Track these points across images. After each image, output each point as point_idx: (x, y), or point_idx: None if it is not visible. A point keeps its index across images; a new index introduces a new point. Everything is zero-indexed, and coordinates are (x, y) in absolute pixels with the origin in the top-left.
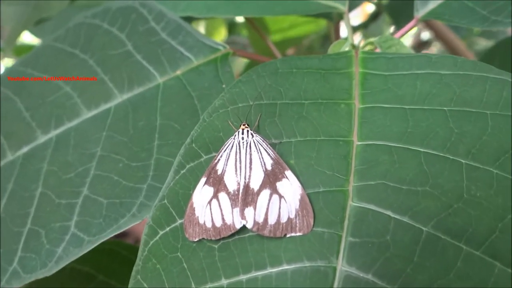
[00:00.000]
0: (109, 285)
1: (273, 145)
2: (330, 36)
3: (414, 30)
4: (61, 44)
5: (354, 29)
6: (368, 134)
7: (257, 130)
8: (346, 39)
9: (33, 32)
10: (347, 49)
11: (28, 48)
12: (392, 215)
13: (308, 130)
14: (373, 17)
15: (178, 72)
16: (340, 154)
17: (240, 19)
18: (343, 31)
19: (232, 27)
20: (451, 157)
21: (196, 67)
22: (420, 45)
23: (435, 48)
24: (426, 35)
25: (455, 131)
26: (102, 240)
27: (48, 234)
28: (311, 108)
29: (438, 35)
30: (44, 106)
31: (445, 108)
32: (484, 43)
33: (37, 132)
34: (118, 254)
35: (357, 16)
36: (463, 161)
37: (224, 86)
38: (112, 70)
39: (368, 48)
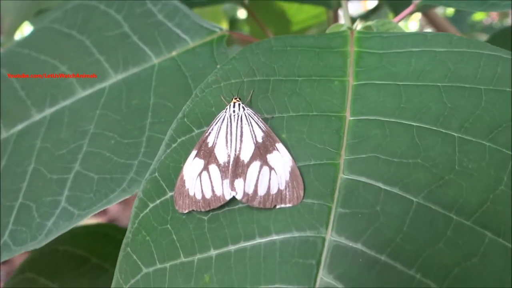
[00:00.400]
0: (102, 267)
1: (265, 120)
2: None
3: (417, 26)
4: (58, 26)
5: (353, 19)
6: (360, 110)
7: (250, 105)
8: (342, 24)
9: (33, 23)
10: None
11: None
12: (382, 186)
13: (300, 106)
14: (374, 9)
15: (174, 53)
16: (332, 129)
17: (242, 15)
18: (343, 21)
19: (233, 23)
20: (443, 130)
21: (192, 49)
22: None
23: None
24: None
25: (448, 105)
26: (92, 214)
27: (39, 208)
28: (304, 84)
29: (440, 31)
30: (39, 85)
31: (438, 84)
32: (485, 38)
33: (32, 111)
34: (113, 238)
35: (358, 10)
36: (455, 134)
37: (218, 66)
38: (108, 51)
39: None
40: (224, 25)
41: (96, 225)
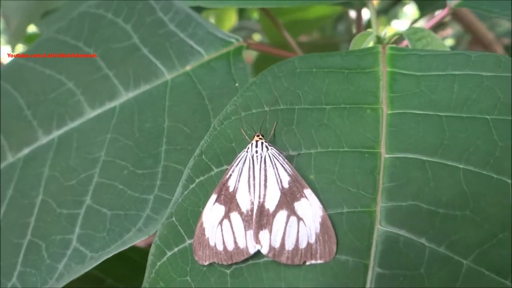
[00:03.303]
0: None
1: (290, 158)
2: (344, 17)
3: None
4: (63, 36)
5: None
6: (397, 146)
7: (273, 140)
8: (369, 32)
9: (39, 26)
10: (371, 43)
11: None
12: (426, 243)
13: (329, 140)
14: (394, 3)
15: (188, 68)
16: (366, 169)
17: None
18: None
19: (242, 10)
20: (495, 175)
21: (206, 62)
22: (435, 26)
23: (452, 30)
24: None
25: (500, 144)
26: (106, 257)
27: (48, 248)
28: (333, 114)
29: (456, 17)
30: (45, 104)
31: (487, 117)
32: (506, 25)
33: (38, 132)
34: (128, 259)
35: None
36: (509, 181)
37: (237, 85)
38: (117, 65)
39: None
40: (234, 15)
41: None
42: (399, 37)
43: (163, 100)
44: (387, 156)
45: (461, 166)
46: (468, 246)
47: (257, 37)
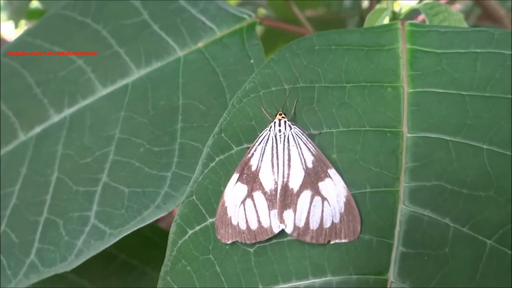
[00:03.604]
0: (131, 264)
1: (312, 137)
2: None
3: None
4: (71, 12)
5: None
6: (420, 125)
7: (294, 119)
8: (384, 7)
9: (42, 1)
10: (387, 19)
11: (41, 13)
12: (451, 223)
13: (351, 119)
14: None
15: (200, 45)
16: (389, 148)
17: None
18: None
19: None
20: None
21: (219, 39)
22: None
23: (460, 5)
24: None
25: None
26: (125, 234)
27: (66, 225)
28: (354, 92)
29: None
30: (55, 82)
31: (510, 97)
32: None
33: (49, 111)
34: (140, 234)
35: None
36: None
37: (252, 61)
38: (127, 42)
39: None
40: None
41: None
42: (414, 13)
43: (176, 78)
44: (409, 135)
45: (484, 146)
46: (492, 226)
47: (262, 11)
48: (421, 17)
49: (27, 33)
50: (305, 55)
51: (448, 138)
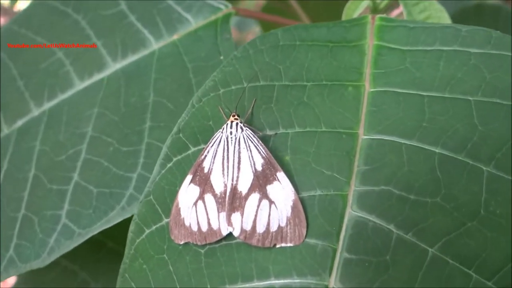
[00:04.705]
0: (118, 252)
1: (267, 137)
2: None
3: None
4: (54, 1)
5: None
6: (376, 127)
7: (251, 119)
8: None
9: None
10: (364, 7)
11: None
12: (394, 230)
13: (308, 120)
14: None
15: (175, 37)
16: (342, 150)
17: None
18: None
19: None
20: (470, 161)
21: (194, 31)
22: None
23: None
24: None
25: (479, 128)
26: (92, 234)
27: (40, 222)
28: (313, 91)
29: None
30: (37, 74)
31: (470, 98)
32: None
33: (30, 104)
34: (128, 222)
35: None
36: (484, 168)
37: (222, 58)
38: (105, 34)
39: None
40: None
41: None
42: (395, 6)
43: (149, 72)
44: (364, 137)
45: (437, 150)
46: (436, 234)
47: None
48: (401, 8)
49: (13, 22)
50: (268, 51)
51: (402, 141)
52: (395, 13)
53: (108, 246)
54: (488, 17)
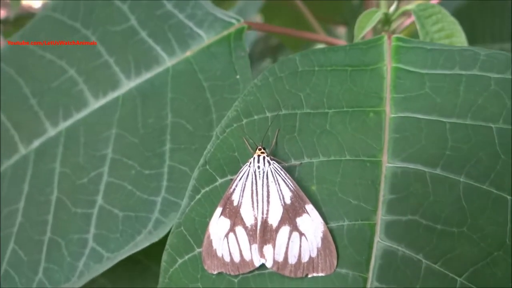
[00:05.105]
0: (135, 259)
1: (293, 167)
2: None
3: None
4: (60, 15)
5: None
6: (399, 154)
7: (275, 149)
8: (375, 10)
9: None
10: (377, 20)
11: None
12: (423, 259)
13: (331, 148)
14: None
15: (188, 54)
16: (368, 179)
17: None
18: None
19: None
20: (494, 191)
21: (207, 47)
22: None
23: None
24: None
25: (502, 157)
26: (120, 258)
27: (68, 246)
28: (335, 119)
29: None
30: (50, 93)
31: (491, 125)
32: None
33: (46, 124)
34: None
35: None
36: (509, 197)
37: (238, 77)
38: (116, 50)
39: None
40: None
41: None
42: (407, 15)
43: (165, 92)
44: (388, 165)
45: (461, 179)
46: (463, 264)
47: None
48: (412, 18)
49: (19, 36)
50: (288, 78)
51: (426, 170)
52: (407, 22)
53: None
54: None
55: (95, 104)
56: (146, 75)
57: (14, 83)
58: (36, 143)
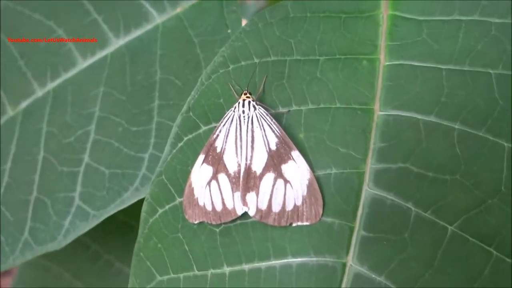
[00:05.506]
0: (129, 224)
1: (280, 115)
2: None
3: None
4: None
5: None
6: (392, 102)
7: (262, 96)
8: None
9: None
10: None
11: None
12: (413, 208)
13: (321, 96)
14: None
15: (179, 10)
16: (358, 127)
17: None
18: None
19: None
20: (491, 138)
21: (198, 3)
22: None
23: None
24: None
25: (500, 103)
26: (107, 215)
27: (54, 205)
28: (326, 66)
29: None
30: (38, 53)
31: (490, 71)
32: None
33: (33, 85)
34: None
35: None
36: (505, 144)
37: (229, 31)
38: (105, 8)
39: None
40: None
41: None
42: None
43: (154, 48)
44: (380, 113)
45: (456, 126)
46: (455, 212)
47: None
48: None
49: None
50: (278, 24)
51: (420, 117)
52: None
53: (118, 219)
54: None
55: (83, 64)
56: (136, 33)
57: (2, 45)
58: (23, 104)
